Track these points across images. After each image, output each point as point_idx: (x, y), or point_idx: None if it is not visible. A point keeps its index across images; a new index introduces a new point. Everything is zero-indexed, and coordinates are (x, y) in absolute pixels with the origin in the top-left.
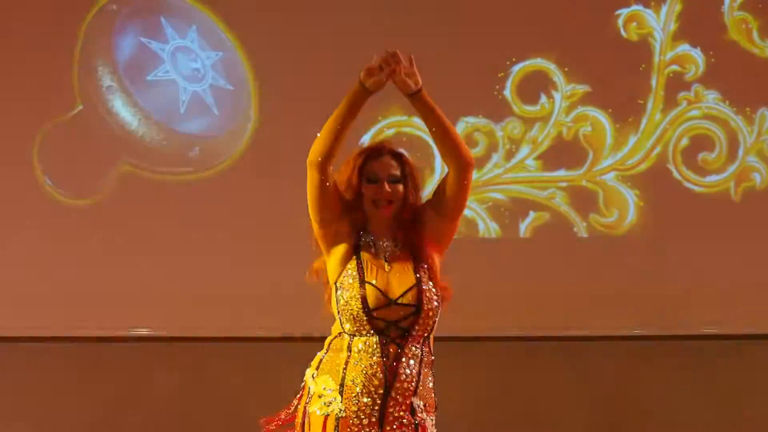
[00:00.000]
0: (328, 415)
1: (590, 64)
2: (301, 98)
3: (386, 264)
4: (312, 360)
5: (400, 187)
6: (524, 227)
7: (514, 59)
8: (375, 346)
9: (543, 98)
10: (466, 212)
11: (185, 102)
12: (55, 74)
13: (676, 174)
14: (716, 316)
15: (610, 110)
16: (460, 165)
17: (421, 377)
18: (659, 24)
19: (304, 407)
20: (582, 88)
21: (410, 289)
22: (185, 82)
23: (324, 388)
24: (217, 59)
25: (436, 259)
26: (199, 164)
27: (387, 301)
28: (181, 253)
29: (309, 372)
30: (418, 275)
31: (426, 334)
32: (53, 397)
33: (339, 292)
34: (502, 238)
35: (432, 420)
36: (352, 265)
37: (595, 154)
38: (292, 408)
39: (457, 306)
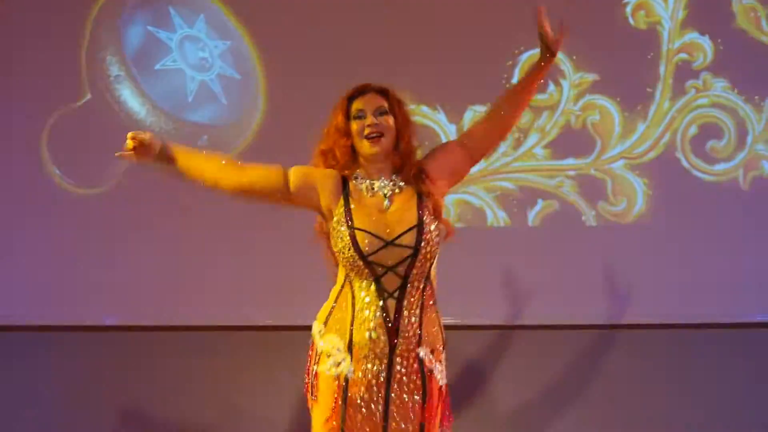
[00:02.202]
0: (338, 375)
1: (598, 52)
2: (309, 87)
3: (386, 202)
4: (318, 311)
5: (389, 119)
6: (532, 216)
7: (522, 47)
8: (376, 303)
9: (551, 87)
10: (474, 201)
11: (193, 91)
12: (63, 64)
13: (684, 162)
14: (724, 305)
15: (618, 99)
16: (514, 122)
17: (424, 324)
18: (667, 12)
19: (312, 367)
20: (590, 77)
21: (410, 229)
22: (193, 71)
23: (333, 347)
24: (225, 48)
25: (440, 199)
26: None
27: (382, 243)
28: (190, 242)
29: (316, 327)
30: (420, 213)
31: (424, 278)
32: (68, 386)
33: (334, 240)
34: (510, 226)
35: (440, 366)
36: (340, 212)
37: (604, 142)
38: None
39: (466, 294)
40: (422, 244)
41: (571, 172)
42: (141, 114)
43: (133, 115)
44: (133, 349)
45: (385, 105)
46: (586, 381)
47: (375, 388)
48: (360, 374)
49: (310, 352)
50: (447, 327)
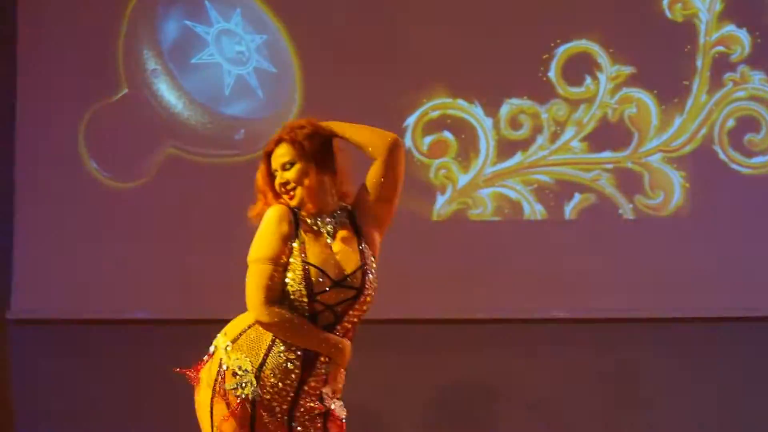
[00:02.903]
0: (245, 397)
1: (635, 45)
2: (345, 80)
3: (329, 240)
4: (228, 325)
5: (295, 173)
6: (569, 209)
7: (558, 41)
8: None
9: (588, 80)
10: (511, 194)
11: (230, 85)
12: (100, 58)
13: (722, 155)
14: (762, 298)
15: (655, 91)
16: (385, 148)
17: (335, 368)
18: (704, 4)
19: (216, 382)
20: (627, 70)
21: (356, 270)
22: (229, 64)
23: (240, 368)
24: (261, 42)
25: (377, 238)
26: (244, 147)
27: (330, 283)
28: (226, 235)
29: (222, 340)
30: (362, 250)
31: (356, 320)
32: (110, 379)
33: (286, 272)
34: (547, 220)
35: (340, 403)
36: (295, 245)
37: (641, 135)
38: (200, 370)
39: (504, 288)
40: (366, 285)
41: (608, 165)
42: (177, 108)
43: (170, 108)
44: (166, 343)
45: (290, 158)
46: (631, 375)
47: (279, 416)
48: (267, 397)
49: (208, 361)
50: (478, 321)
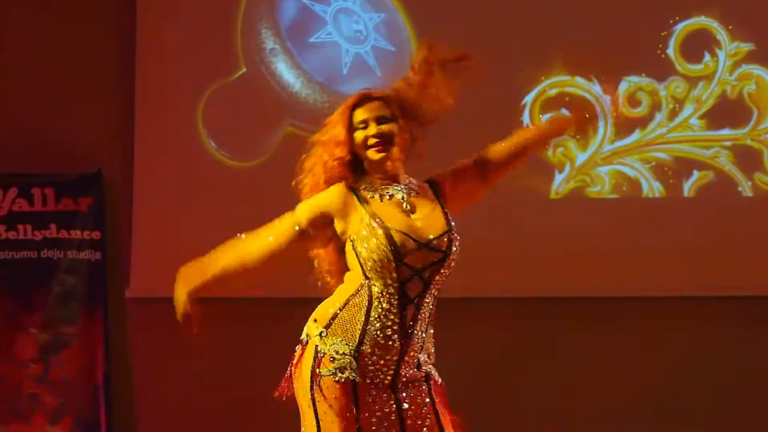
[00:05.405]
0: (345, 381)
1: (754, 21)
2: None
3: (405, 205)
4: (316, 311)
5: (393, 126)
6: (688, 187)
7: (677, 18)
8: (395, 308)
9: (707, 57)
10: (629, 171)
11: (348, 64)
12: (219, 38)
13: None
14: None
15: None
16: (532, 155)
17: (428, 334)
18: None
19: (313, 369)
20: (746, 47)
21: (443, 234)
22: (347, 43)
23: (337, 352)
24: (379, 20)
25: (455, 214)
26: None
27: (416, 245)
28: None
29: (315, 328)
30: (446, 216)
31: (439, 286)
32: (224, 354)
33: (357, 243)
34: (665, 197)
35: (433, 368)
36: (362, 216)
37: (760, 112)
38: (293, 364)
39: (622, 265)
40: (453, 249)
41: (727, 143)
42: (296, 87)
43: (288, 87)
44: (272, 320)
45: (388, 113)
46: (753, 352)
47: (382, 391)
48: (368, 380)
49: (301, 352)
50: (599, 299)
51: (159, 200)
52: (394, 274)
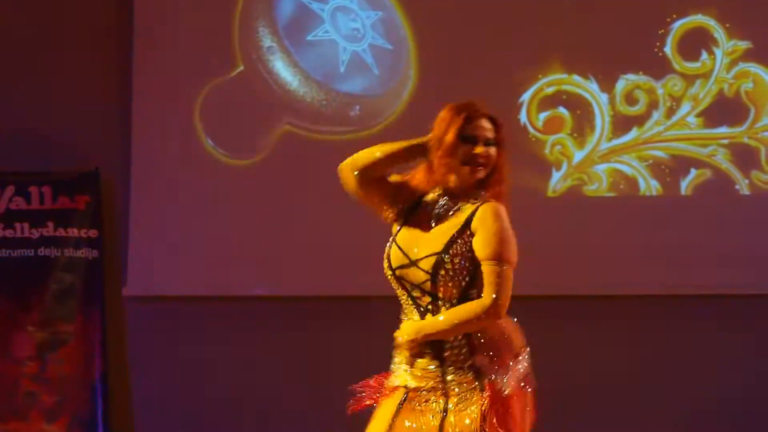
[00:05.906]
0: (398, 387)
1: (752, 19)
2: (460, 56)
3: (433, 222)
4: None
5: (493, 151)
6: (685, 185)
7: (674, 16)
8: (416, 317)
9: (704, 55)
10: (627, 170)
11: (345, 62)
12: (216, 36)
13: None
14: None
15: None
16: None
17: (471, 335)
18: None
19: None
20: (743, 45)
21: (431, 255)
22: (345, 41)
23: (397, 362)
24: (377, 18)
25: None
26: (359, 123)
27: (405, 261)
28: (342, 212)
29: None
30: (452, 241)
31: (457, 297)
32: (223, 354)
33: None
34: (663, 195)
35: (502, 371)
36: (400, 222)
37: (758, 110)
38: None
39: (619, 263)
40: (438, 272)
41: (725, 141)
42: (293, 85)
43: (286, 85)
44: (271, 319)
45: (492, 137)
46: (740, 350)
47: (433, 399)
48: (421, 384)
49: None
50: (596, 297)
51: (156, 199)
52: (397, 284)
